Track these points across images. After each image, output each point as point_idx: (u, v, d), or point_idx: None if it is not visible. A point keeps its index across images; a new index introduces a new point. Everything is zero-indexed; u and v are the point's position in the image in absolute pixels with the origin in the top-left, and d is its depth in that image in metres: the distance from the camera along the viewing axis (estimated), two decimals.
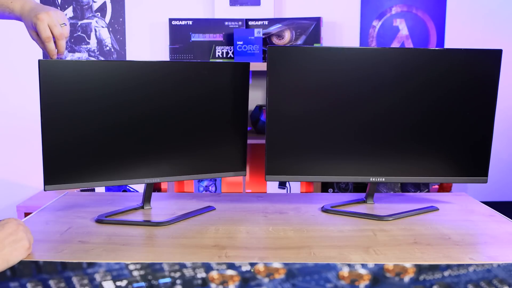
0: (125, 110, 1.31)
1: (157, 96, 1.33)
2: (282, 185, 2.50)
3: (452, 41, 2.68)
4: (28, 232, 1.08)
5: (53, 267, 1.05)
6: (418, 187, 2.49)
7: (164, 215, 1.37)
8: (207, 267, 1.05)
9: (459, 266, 1.05)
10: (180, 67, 1.38)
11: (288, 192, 2.50)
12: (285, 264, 1.05)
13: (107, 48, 2.70)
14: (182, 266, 1.05)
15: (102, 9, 2.68)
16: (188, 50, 2.52)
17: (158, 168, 1.37)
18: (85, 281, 1.05)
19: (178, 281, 1.05)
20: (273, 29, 2.51)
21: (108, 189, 2.30)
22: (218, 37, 2.51)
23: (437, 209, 1.45)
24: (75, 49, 2.70)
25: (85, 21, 2.69)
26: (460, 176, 1.43)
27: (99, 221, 1.32)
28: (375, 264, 1.05)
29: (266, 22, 2.51)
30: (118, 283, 1.05)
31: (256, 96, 2.61)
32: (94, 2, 2.67)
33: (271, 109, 1.38)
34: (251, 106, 2.52)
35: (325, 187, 2.54)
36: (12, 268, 1.04)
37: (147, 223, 1.31)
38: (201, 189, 2.55)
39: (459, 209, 1.47)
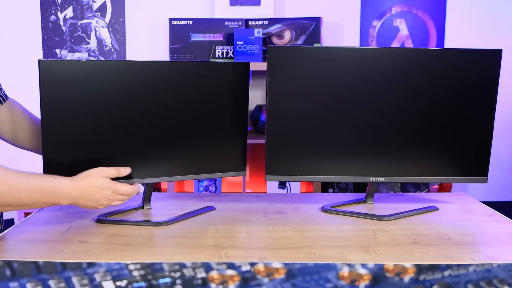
0: (125, 110, 1.31)
1: (157, 96, 1.33)
2: (282, 185, 2.50)
3: (452, 41, 2.68)
4: (114, 198, 1.24)
5: (53, 267, 1.05)
6: (418, 187, 2.49)
7: (164, 215, 1.37)
8: (207, 267, 1.05)
9: (459, 266, 1.05)
10: (180, 67, 1.38)
11: (288, 192, 2.50)
12: (285, 264, 1.05)
13: (107, 48, 2.70)
14: (182, 266, 1.05)
15: (102, 9, 2.68)
16: (188, 50, 2.52)
17: (158, 168, 1.37)
18: (85, 281, 1.05)
19: (178, 281, 1.05)
20: (273, 29, 2.51)
21: None
22: (218, 37, 2.51)
23: (437, 209, 1.45)
24: (75, 49, 2.70)
25: (85, 21, 2.69)
26: (460, 176, 1.43)
27: (99, 221, 1.32)
28: (375, 264, 1.05)
29: (266, 22, 2.51)
30: (118, 283, 1.05)
31: (256, 96, 2.61)
32: (94, 2, 2.67)
33: (271, 109, 1.38)
34: (251, 106, 2.52)
35: (325, 187, 2.54)
36: (12, 268, 1.04)
37: (147, 223, 1.31)
38: (201, 189, 2.55)
39: (459, 209, 1.47)
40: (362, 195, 1.57)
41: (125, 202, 1.49)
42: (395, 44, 2.69)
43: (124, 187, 1.25)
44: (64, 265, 1.05)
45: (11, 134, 1.39)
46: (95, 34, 2.69)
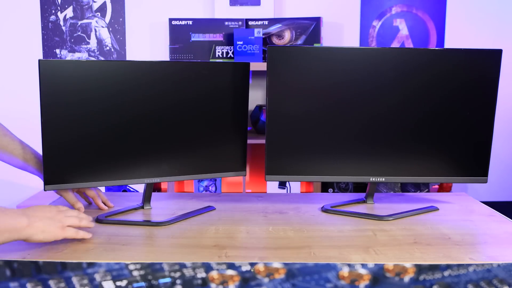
0: (125, 110, 1.31)
1: (157, 96, 1.33)
2: (282, 185, 2.50)
3: (452, 41, 2.68)
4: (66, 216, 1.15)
5: (53, 267, 1.05)
6: (418, 187, 2.49)
7: (164, 215, 1.37)
8: (207, 267, 1.05)
9: (459, 266, 1.05)
10: (180, 67, 1.38)
11: (288, 192, 2.50)
12: (285, 264, 1.05)
13: (107, 48, 2.70)
14: (182, 266, 1.05)
15: (102, 9, 2.68)
16: (188, 50, 2.52)
17: (158, 168, 1.37)
18: (85, 281, 1.05)
19: (178, 281, 1.05)
20: (273, 29, 2.51)
21: (108, 189, 2.30)
22: (218, 37, 2.51)
23: (437, 209, 1.45)
24: (75, 49, 2.70)
25: (85, 21, 2.68)
26: (460, 176, 1.43)
27: (99, 221, 1.32)
28: (375, 264, 1.05)
29: (266, 22, 2.51)
30: (118, 283, 1.05)
31: (256, 96, 2.61)
32: (94, 2, 2.67)
33: (271, 109, 1.38)
34: (251, 106, 2.52)
35: (325, 187, 2.54)
36: (12, 268, 1.04)
37: (147, 223, 1.31)
38: (201, 189, 2.55)
39: (459, 209, 1.47)
40: (362, 195, 1.57)
41: (125, 202, 1.49)
42: (395, 44, 2.69)
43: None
44: (64, 265, 1.05)
45: None
46: (95, 34, 2.69)
